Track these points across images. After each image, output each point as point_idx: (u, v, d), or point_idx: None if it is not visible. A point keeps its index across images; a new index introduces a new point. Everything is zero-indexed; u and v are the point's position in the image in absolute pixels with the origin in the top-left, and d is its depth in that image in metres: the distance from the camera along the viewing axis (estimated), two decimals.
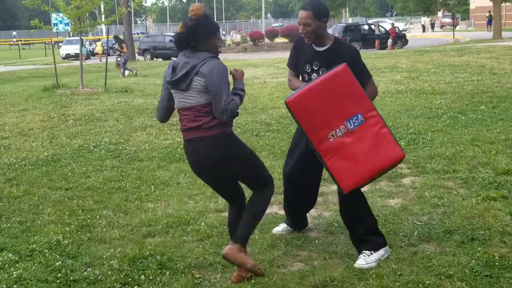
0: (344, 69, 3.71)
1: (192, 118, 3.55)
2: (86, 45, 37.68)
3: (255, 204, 3.83)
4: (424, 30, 51.97)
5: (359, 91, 3.76)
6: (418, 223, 4.63)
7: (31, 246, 4.29)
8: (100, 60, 33.20)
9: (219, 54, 3.62)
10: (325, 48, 4.03)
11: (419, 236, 4.35)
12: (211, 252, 4.16)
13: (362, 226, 4.03)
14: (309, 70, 4.08)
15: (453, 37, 38.46)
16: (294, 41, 4.29)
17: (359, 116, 3.73)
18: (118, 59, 21.66)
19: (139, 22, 48.66)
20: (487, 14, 44.78)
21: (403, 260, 3.96)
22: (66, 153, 7.57)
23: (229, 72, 3.62)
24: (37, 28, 15.28)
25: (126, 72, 20.95)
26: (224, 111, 3.40)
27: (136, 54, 33.87)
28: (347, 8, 60.25)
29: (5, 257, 4.13)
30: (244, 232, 3.76)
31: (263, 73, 19.02)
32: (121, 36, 27.97)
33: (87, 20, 15.44)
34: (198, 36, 3.50)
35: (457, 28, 42.38)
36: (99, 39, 37.72)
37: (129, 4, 27.59)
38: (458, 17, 50.20)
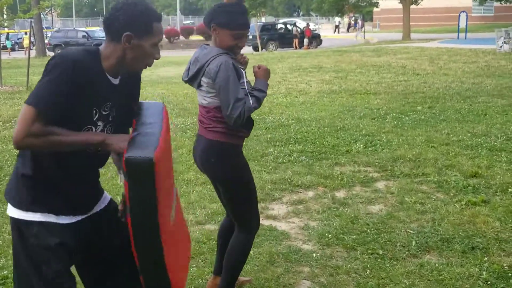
0: (166, 111, 2.50)
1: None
2: (11, 39, 35.60)
3: (232, 248, 3.31)
4: (338, 31, 53.01)
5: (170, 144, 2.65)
6: (411, 231, 4.49)
7: (2, 273, 3.71)
8: (25, 54, 31.62)
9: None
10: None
11: (417, 246, 4.20)
12: (208, 272, 3.80)
13: None
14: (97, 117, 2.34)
15: (364, 38, 39.65)
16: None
17: (175, 181, 2.60)
18: None
19: (42, 16, 46.15)
20: (353, 18, 46.48)
21: (412, 273, 3.78)
22: (7, 160, 6.84)
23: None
24: None
25: None
26: (230, 117, 2.97)
27: (47, 50, 32.19)
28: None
29: None
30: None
31: None
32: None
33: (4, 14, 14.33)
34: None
35: (363, 29, 43.75)
36: (25, 32, 35.66)
37: None
38: (357, 18, 51.79)
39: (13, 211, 2.22)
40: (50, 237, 2.19)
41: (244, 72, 3.10)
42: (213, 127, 3.11)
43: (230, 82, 2.94)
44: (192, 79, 3.11)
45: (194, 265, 3.91)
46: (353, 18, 47.13)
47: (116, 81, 2.27)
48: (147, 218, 2.09)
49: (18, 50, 37.73)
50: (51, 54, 33.10)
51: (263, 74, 3.14)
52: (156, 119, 2.27)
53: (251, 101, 3.00)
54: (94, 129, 2.22)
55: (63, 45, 33.36)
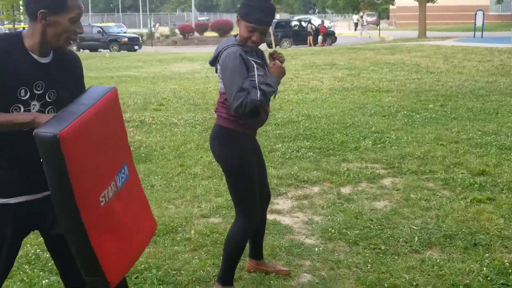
0: (116, 94, 2.48)
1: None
2: None
3: (229, 237, 3.39)
4: (356, 28, 52.50)
5: (125, 130, 2.61)
6: (414, 227, 4.50)
7: None
8: None
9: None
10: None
11: (420, 242, 4.22)
12: (210, 264, 3.84)
13: None
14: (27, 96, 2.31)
15: (379, 35, 39.47)
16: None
17: (125, 168, 2.52)
18: None
19: None
20: (361, 15, 45.80)
21: (413, 268, 3.80)
22: None
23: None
24: None
25: None
26: (231, 105, 3.06)
27: None
28: None
29: None
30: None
31: (201, 67, 18.62)
32: None
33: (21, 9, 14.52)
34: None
35: (379, 27, 43.57)
36: None
37: None
38: (372, 15, 51.25)
39: None
40: None
41: (255, 65, 3.11)
42: (220, 112, 3.23)
43: (235, 72, 3.04)
44: (212, 63, 3.25)
45: (196, 257, 3.96)
46: (361, 15, 46.61)
47: (45, 60, 2.32)
48: (61, 195, 2.12)
49: None
50: None
51: (276, 70, 3.19)
52: (90, 101, 2.28)
53: (258, 94, 3.05)
54: (22, 109, 2.26)
55: (78, 40, 33.56)
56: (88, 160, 2.18)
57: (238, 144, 3.23)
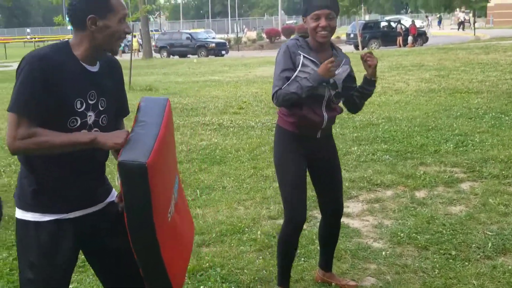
0: (170, 105, 2.41)
1: None
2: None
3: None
4: (463, 28, 50.04)
5: (174, 139, 2.58)
6: (490, 233, 4.32)
7: (82, 257, 4.01)
8: (137, 55, 32.92)
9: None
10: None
11: (494, 248, 4.04)
12: (274, 264, 3.86)
13: None
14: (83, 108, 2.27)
15: (474, 34, 37.88)
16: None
17: (177, 178, 2.51)
18: None
19: (151, 19, 48.85)
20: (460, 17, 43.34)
21: (483, 275, 3.66)
22: None
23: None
24: (60, 25, 15.08)
25: None
26: (272, 96, 3.12)
27: (153, 51, 33.70)
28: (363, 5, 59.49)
29: None
30: None
31: None
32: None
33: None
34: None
35: (476, 25, 41.71)
36: (135, 35, 37.18)
37: (146, 2, 27.30)
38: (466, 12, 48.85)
39: (16, 211, 2.31)
40: (44, 235, 2.24)
41: (302, 60, 3.08)
42: (278, 111, 3.32)
43: (278, 62, 3.13)
44: None
45: (260, 257, 4.01)
46: (426, 15, 44.04)
47: (94, 69, 2.29)
48: (141, 220, 2.09)
49: (127, 52, 39.75)
50: (157, 56, 34.65)
51: (321, 68, 3.06)
52: (155, 117, 2.22)
53: (294, 86, 3.03)
54: (79, 121, 2.22)
55: (168, 46, 34.71)
56: (163, 180, 2.19)
57: (282, 142, 3.28)
